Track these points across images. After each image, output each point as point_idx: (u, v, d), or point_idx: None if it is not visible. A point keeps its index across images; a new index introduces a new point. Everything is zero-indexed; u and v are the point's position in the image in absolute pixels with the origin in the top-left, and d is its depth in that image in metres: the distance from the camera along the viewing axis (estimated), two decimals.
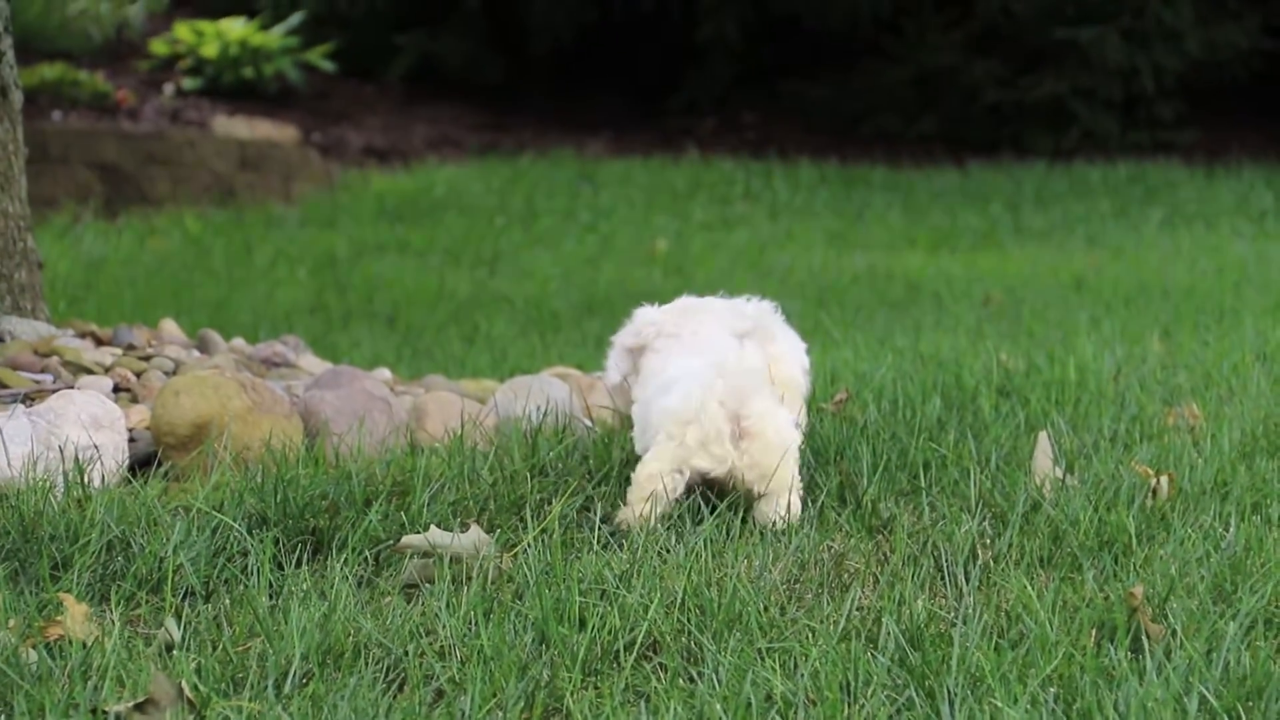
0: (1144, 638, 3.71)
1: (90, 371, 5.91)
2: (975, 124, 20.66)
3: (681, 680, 3.59)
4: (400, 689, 3.61)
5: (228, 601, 4.02)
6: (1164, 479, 4.69)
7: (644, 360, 4.95)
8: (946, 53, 20.55)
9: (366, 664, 3.67)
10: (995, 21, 20.59)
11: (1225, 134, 20.87)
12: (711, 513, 4.49)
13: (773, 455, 4.48)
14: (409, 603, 4.03)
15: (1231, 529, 4.37)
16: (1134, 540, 4.30)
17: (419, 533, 4.32)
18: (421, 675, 3.62)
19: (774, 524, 4.48)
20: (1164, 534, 4.37)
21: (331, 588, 4.06)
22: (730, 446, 4.48)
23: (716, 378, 4.47)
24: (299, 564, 4.28)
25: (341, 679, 3.58)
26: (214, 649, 3.75)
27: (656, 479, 4.48)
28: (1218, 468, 4.89)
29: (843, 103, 21.24)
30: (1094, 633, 3.73)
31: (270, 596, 4.05)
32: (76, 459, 4.83)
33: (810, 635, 3.78)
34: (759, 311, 4.84)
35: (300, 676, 3.60)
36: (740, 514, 4.52)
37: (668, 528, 4.42)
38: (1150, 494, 4.64)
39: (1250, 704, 3.39)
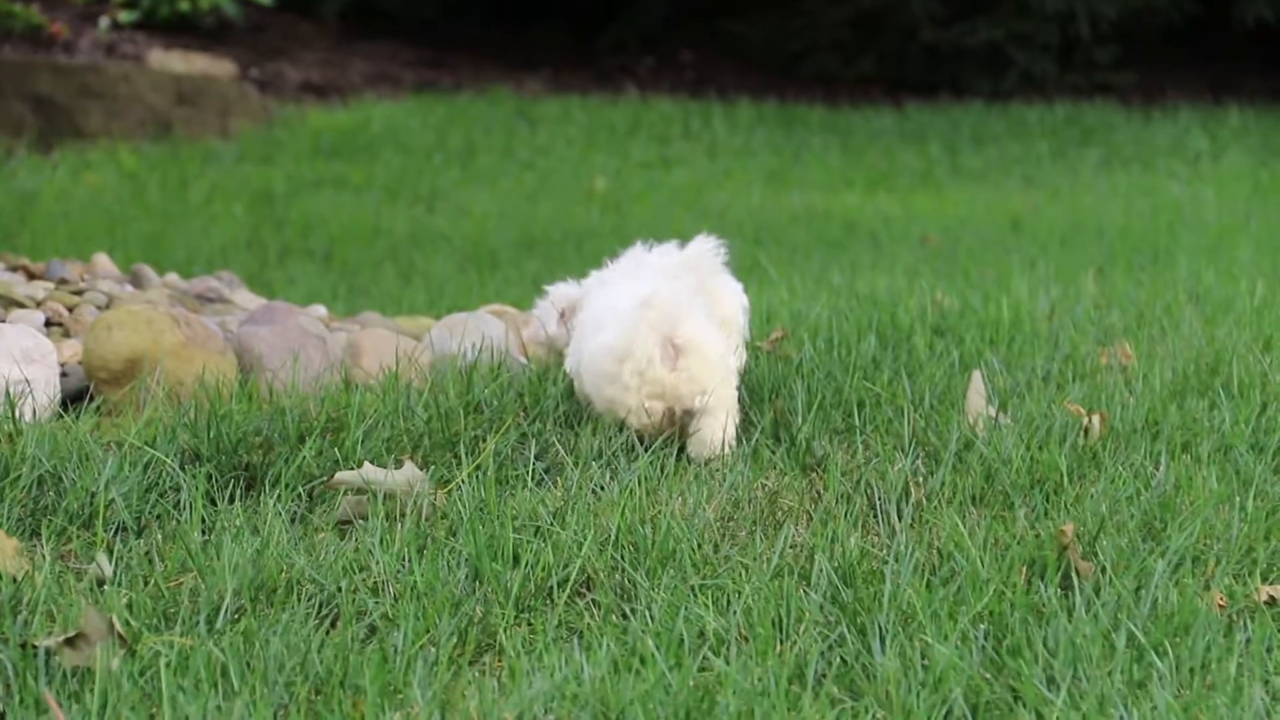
0: (1074, 575, 3.73)
1: (22, 305, 5.87)
2: (913, 64, 20.67)
3: (615, 617, 3.60)
4: (333, 625, 3.61)
5: (160, 537, 4.01)
6: (1096, 418, 4.71)
7: (580, 312, 4.97)
8: None
9: (299, 600, 3.67)
10: None
11: (1161, 77, 20.94)
12: (646, 450, 4.49)
13: (710, 371, 4.50)
14: (342, 539, 4.03)
15: (1162, 467, 4.40)
16: (1065, 479, 4.32)
17: (353, 469, 4.32)
18: (354, 611, 3.62)
19: (711, 448, 4.49)
20: (1095, 472, 4.40)
21: (264, 524, 4.05)
22: (664, 371, 4.49)
23: (646, 307, 4.48)
24: (232, 500, 4.27)
25: (274, 614, 3.58)
26: (145, 584, 3.74)
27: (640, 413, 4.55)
28: (1149, 407, 4.91)
29: (781, 42, 21.21)
30: (1024, 570, 3.75)
31: (203, 532, 4.03)
32: (8, 393, 4.80)
33: (743, 572, 3.79)
34: (697, 252, 4.82)
35: (232, 612, 3.60)
36: (676, 452, 4.52)
37: (604, 466, 4.43)
38: (1082, 433, 4.66)
39: (1178, 640, 3.42)
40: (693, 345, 4.52)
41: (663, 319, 4.50)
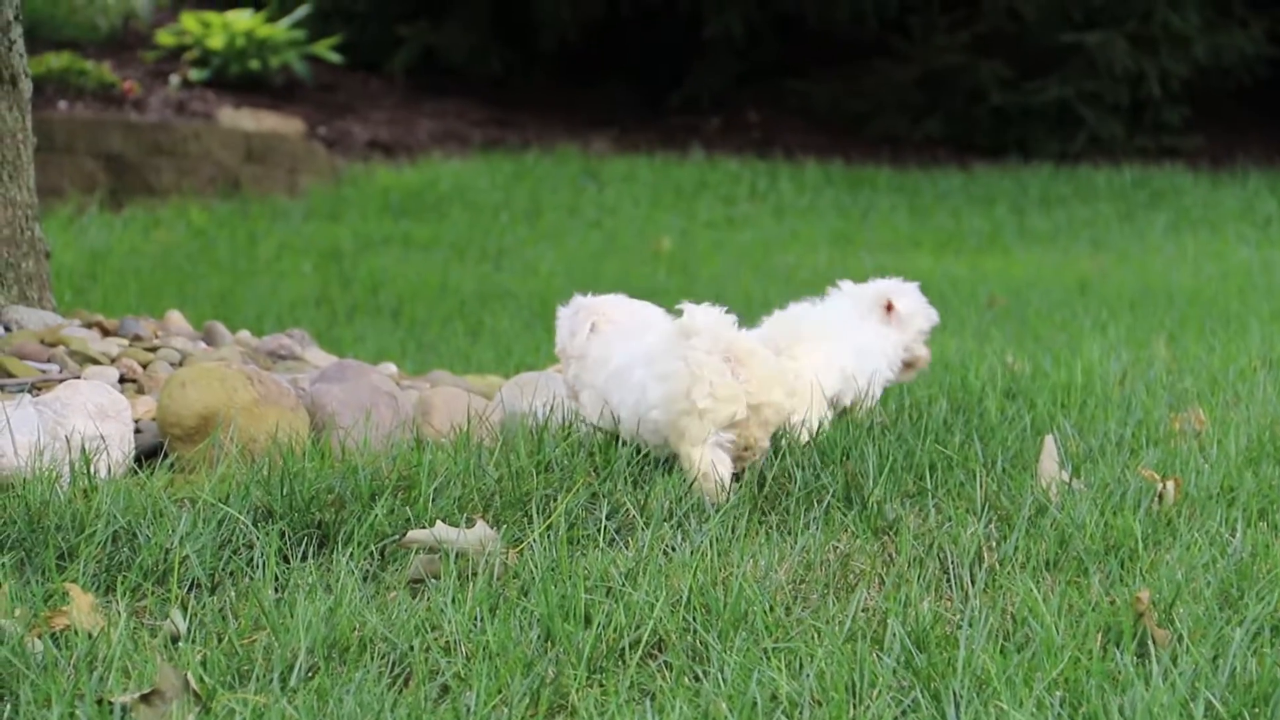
0: (1150, 643, 3.71)
1: (96, 362, 5.92)
2: (980, 126, 20.65)
3: (687, 679, 3.59)
4: (405, 684, 3.61)
5: (233, 594, 4.03)
6: (1170, 484, 4.69)
7: (590, 345, 5.08)
8: (952, 53, 20.53)
9: (372, 658, 3.68)
10: (1001, 23, 20.57)
11: (1230, 140, 20.87)
12: (716, 511, 4.49)
13: (774, 374, 4.73)
14: (414, 598, 4.03)
15: (1238, 535, 4.37)
16: (1140, 545, 4.30)
17: (425, 528, 4.33)
18: (427, 670, 3.62)
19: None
20: (1170, 539, 4.37)
21: (337, 581, 4.06)
22: (733, 379, 4.64)
23: (682, 335, 4.66)
24: (304, 558, 4.28)
25: (347, 673, 3.59)
26: (219, 641, 3.75)
27: (709, 467, 4.63)
28: (1224, 473, 4.89)
29: (848, 102, 21.23)
30: (1100, 637, 3.73)
31: (275, 590, 4.05)
32: (83, 449, 4.83)
33: (816, 635, 3.78)
34: (710, 320, 4.77)
35: (306, 670, 3.60)
36: (746, 513, 4.52)
37: (675, 526, 4.42)
38: (1156, 499, 4.63)
39: (1257, 710, 3.39)
40: (746, 356, 4.69)
41: (710, 340, 4.59)
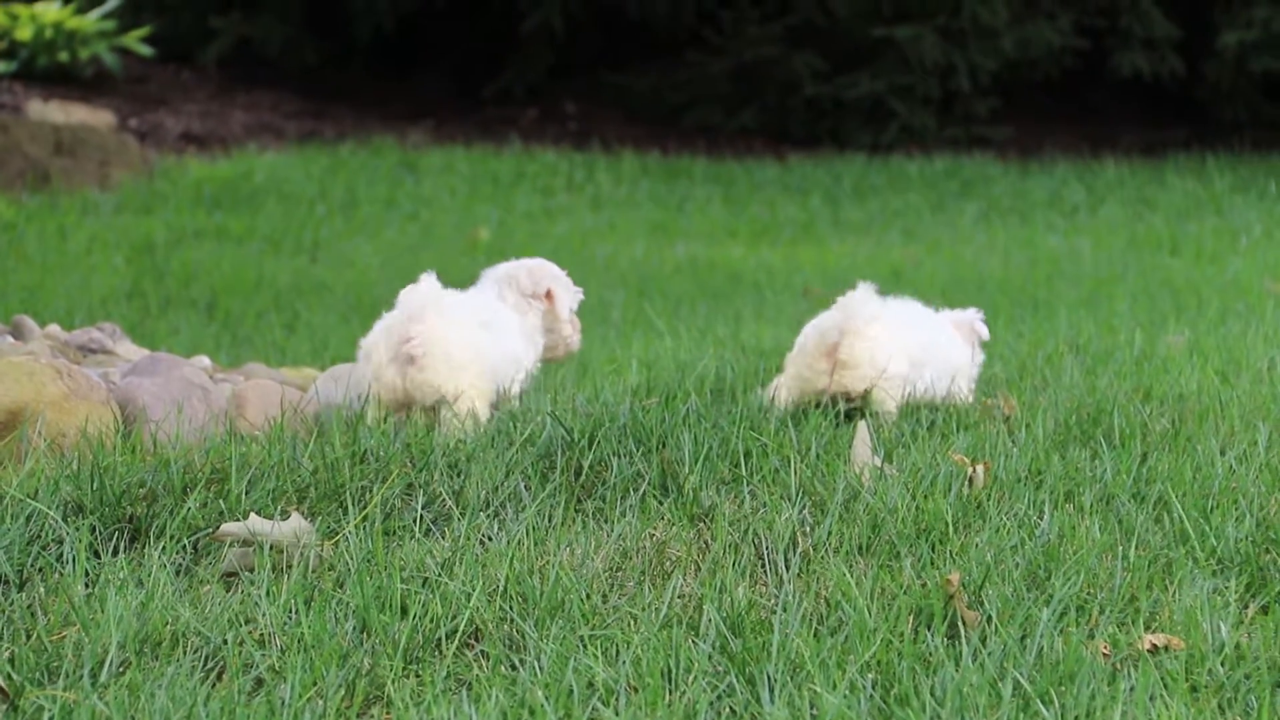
0: (960, 624, 3.76)
1: None
2: (795, 117, 20.80)
3: (503, 668, 3.59)
4: (219, 678, 3.58)
5: (42, 590, 3.97)
6: (980, 468, 4.75)
7: None
8: (766, 46, 20.66)
9: (185, 652, 3.64)
10: (813, 17, 20.73)
11: (1039, 130, 21.18)
12: (533, 500, 4.49)
13: (445, 371, 5.28)
14: (228, 591, 4.00)
15: (1045, 517, 4.44)
16: (950, 528, 4.35)
17: (238, 521, 4.29)
18: (241, 664, 3.59)
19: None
20: (980, 522, 4.43)
21: (149, 576, 4.02)
22: (396, 374, 5.29)
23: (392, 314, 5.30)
24: (116, 552, 4.23)
25: (159, 668, 3.55)
26: (28, 638, 3.70)
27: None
28: (1032, 457, 4.96)
29: (664, 94, 21.30)
30: (911, 619, 3.77)
31: (86, 585, 4.00)
32: None
33: (632, 622, 3.79)
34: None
35: (117, 665, 3.56)
36: (563, 501, 4.52)
37: (491, 516, 4.42)
38: (967, 483, 4.69)
39: (1063, 688, 3.45)
40: (422, 350, 5.33)
41: (399, 323, 5.35)
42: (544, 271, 5.83)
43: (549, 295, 5.78)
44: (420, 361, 5.25)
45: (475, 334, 5.40)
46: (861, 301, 5.60)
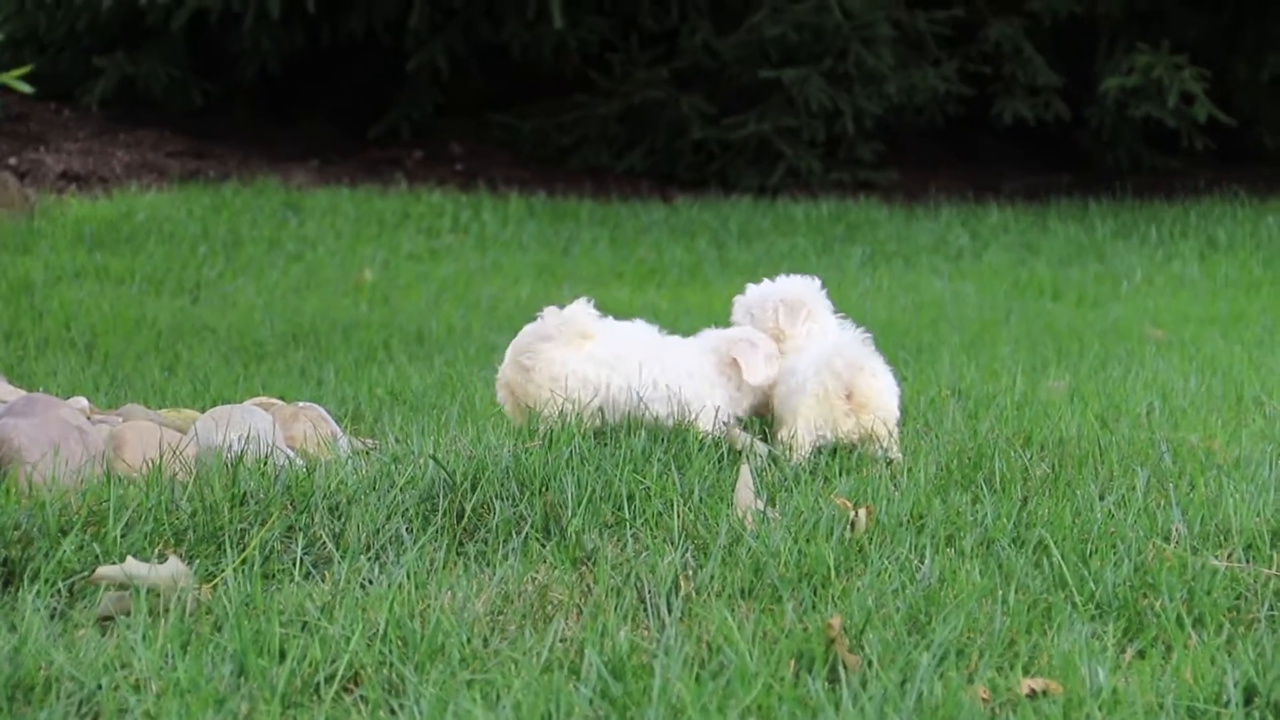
0: (841, 668, 3.76)
1: None
2: (682, 160, 20.85)
3: (382, 712, 3.57)
4: None
5: None
6: (862, 512, 4.76)
7: None
8: (653, 88, 20.71)
9: (58, 697, 3.59)
10: (700, 60, 20.80)
11: (924, 175, 21.34)
12: (414, 543, 4.47)
13: None
14: (104, 635, 3.95)
15: (926, 561, 4.46)
16: (832, 572, 4.36)
17: (115, 564, 4.24)
18: (115, 708, 3.54)
19: None
20: (861, 566, 4.44)
21: (22, 620, 3.96)
22: None
23: None
24: None
25: (31, 713, 3.50)
26: None
27: None
28: (914, 501, 4.98)
29: (551, 136, 21.30)
30: (793, 663, 3.77)
31: None
32: None
33: (513, 666, 3.77)
34: None
35: None
36: (445, 544, 4.50)
37: (372, 559, 4.39)
38: (849, 526, 4.71)
39: None
40: None
41: None
42: None
43: None
44: None
45: None
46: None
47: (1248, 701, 3.73)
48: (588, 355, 5.71)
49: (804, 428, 5.53)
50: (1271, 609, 4.25)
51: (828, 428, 5.54)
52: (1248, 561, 4.54)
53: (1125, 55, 20.23)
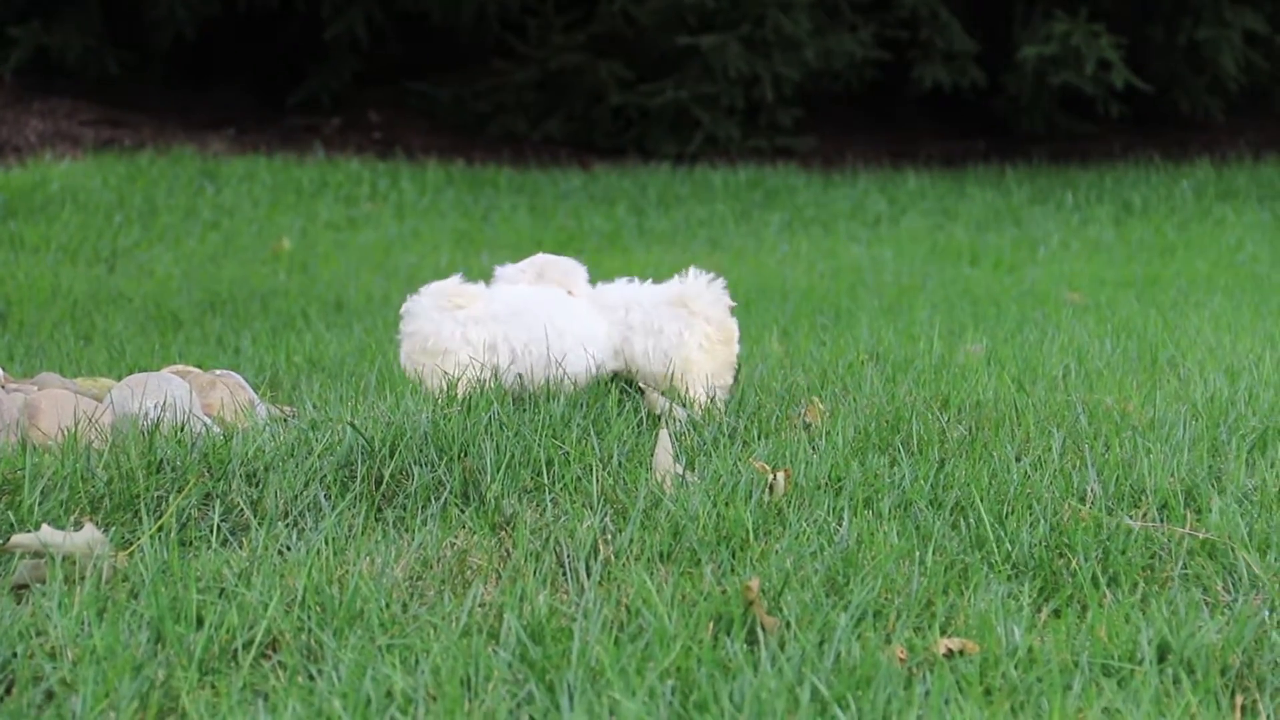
0: (759, 630, 3.78)
1: None
2: (600, 126, 20.84)
3: (301, 678, 3.56)
4: (8, 691, 3.51)
5: None
6: (781, 475, 4.77)
7: None
8: (571, 54, 20.68)
9: None
10: (617, 26, 20.78)
11: (841, 141, 21.40)
12: (332, 509, 4.46)
13: None
14: (18, 603, 3.92)
15: (844, 523, 4.48)
16: (751, 535, 4.37)
17: (30, 532, 4.21)
18: (30, 676, 3.52)
19: None
20: (780, 529, 4.46)
21: None
22: None
23: None
24: None
25: None
26: None
27: None
28: (832, 463, 4.99)
29: (468, 103, 21.24)
30: (711, 625, 3.78)
31: None
32: None
33: (432, 631, 3.77)
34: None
35: None
36: (363, 511, 4.49)
37: (290, 525, 4.38)
38: (767, 489, 4.72)
39: (860, 693, 3.48)
40: None
41: None
42: None
43: None
44: None
45: None
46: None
47: (1161, 659, 3.77)
48: (467, 317, 5.85)
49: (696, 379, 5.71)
50: (1185, 568, 4.29)
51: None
52: (1162, 521, 4.58)
53: (1043, 22, 20.33)
